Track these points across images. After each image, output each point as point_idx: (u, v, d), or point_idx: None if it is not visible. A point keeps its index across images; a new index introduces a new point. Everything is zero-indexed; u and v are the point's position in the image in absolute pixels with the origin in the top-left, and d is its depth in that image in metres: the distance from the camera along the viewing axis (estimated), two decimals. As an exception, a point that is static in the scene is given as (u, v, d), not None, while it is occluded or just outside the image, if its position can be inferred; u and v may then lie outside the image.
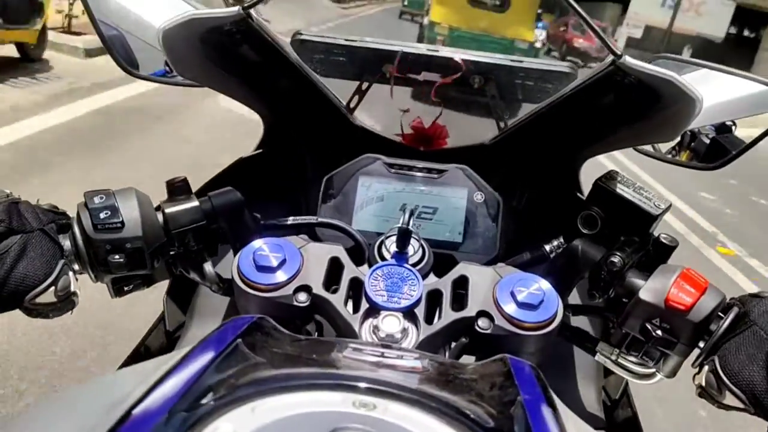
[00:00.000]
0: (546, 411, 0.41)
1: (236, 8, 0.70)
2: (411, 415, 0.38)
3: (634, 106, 0.75)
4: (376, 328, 0.64)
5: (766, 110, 0.92)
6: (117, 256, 0.66)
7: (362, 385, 0.40)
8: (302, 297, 0.66)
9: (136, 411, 0.37)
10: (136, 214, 0.67)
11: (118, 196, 0.68)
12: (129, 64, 0.94)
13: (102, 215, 0.65)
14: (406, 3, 22.10)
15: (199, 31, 0.72)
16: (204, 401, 0.38)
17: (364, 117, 1.05)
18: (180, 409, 0.36)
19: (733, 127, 0.98)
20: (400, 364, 0.52)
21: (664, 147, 1.07)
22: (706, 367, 0.65)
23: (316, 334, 0.70)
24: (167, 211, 0.71)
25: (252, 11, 0.71)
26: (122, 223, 0.66)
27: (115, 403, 0.39)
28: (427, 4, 12.70)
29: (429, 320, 0.66)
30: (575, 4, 0.69)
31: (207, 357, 0.43)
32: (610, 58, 0.66)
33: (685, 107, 0.64)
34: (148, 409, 0.37)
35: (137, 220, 0.66)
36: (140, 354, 0.97)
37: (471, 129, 1.11)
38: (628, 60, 0.64)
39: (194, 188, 0.76)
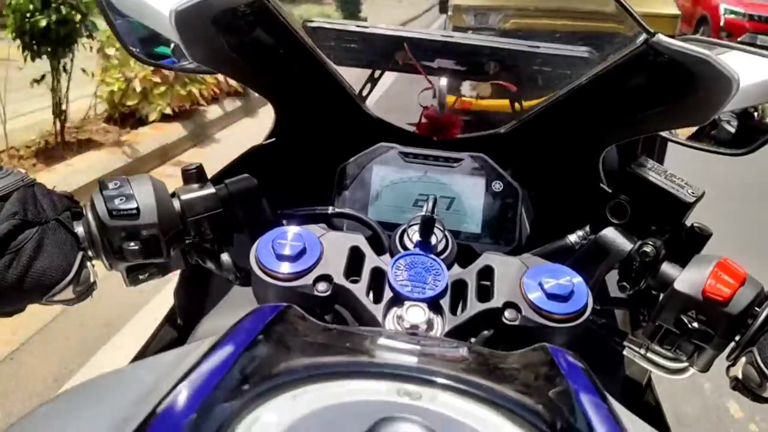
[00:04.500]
0: (597, 401, 0.39)
1: None
2: (459, 404, 0.36)
3: (665, 88, 0.72)
4: (400, 319, 0.62)
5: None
6: (132, 244, 0.64)
7: (406, 373, 0.38)
8: (322, 287, 0.63)
9: (168, 402, 0.34)
10: (151, 200, 0.65)
11: (133, 183, 0.66)
12: (138, 51, 0.92)
13: (117, 201, 0.63)
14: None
15: (212, 12, 0.70)
16: (241, 390, 0.35)
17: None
18: (216, 399, 0.34)
19: (756, 114, 0.95)
20: (439, 352, 0.50)
21: (684, 134, 1.04)
22: (743, 359, 0.63)
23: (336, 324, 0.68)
24: (183, 197, 0.69)
25: None
26: (137, 209, 0.64)
27: (142, 396, 0.36)
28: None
29: (454, 311, 0.64)
30: None
31: (237, 346, 0.41)
32: (643, 36, 0.64)
33: (721, 88, 0.62)
34: (181, 401, 0.35)
35: (153, 206, 0.64)
36: (149, 352, 0.95)
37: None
38: (662, 38, 0.62)
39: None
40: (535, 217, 0.91)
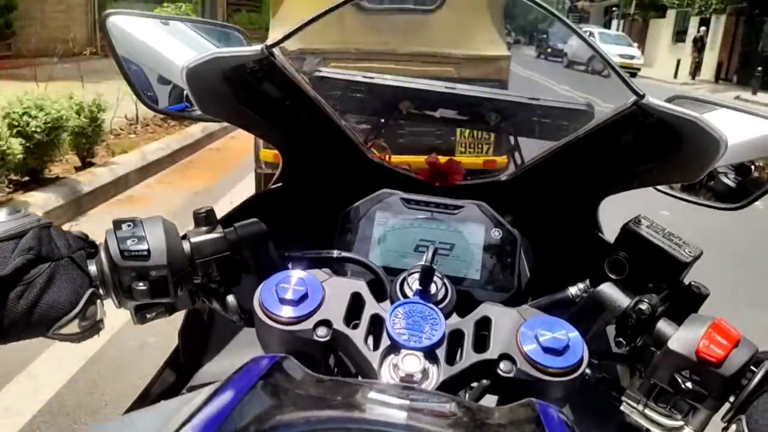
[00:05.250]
0: None
1: (260, 47, 0.71)
2: None
3: (655, 146, 0.74)
4: (395, 367, 0.62)
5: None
6: (141, 284, 0.66)
7: (392, 431, 0.39)
8: (322, 332, 0.64)
9: None
10: (162, 243, 0.67)
11: (146, 225, 0.68)
12: (149, 99, 0.95)
13: (129, 242, 0.66)
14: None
15: (222, 68, 0.73)
16: None
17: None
18: None
19: (752, 168, 0.97)
20: (428, 408, 0.51)
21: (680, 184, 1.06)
22: (734, 426, 0.62)
23: (336, 368, 0.69)
24: (193, 240, 0.72)
25: (275, 50, 0.72)
26: (148, 251, 0.66)
27: None
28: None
29: (450, 361, 0.64)
30: (592, 42, 0.69)
31: (231, 398, 0.43)
32: (633, 98, 0.66)
33: (709, 148, 0.64)
34: None
35: (163, 249, 0.67)
36: (152, 393, 0.96)
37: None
38: (651, 100, 0.64)
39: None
40: (534, 264, 0.92)
